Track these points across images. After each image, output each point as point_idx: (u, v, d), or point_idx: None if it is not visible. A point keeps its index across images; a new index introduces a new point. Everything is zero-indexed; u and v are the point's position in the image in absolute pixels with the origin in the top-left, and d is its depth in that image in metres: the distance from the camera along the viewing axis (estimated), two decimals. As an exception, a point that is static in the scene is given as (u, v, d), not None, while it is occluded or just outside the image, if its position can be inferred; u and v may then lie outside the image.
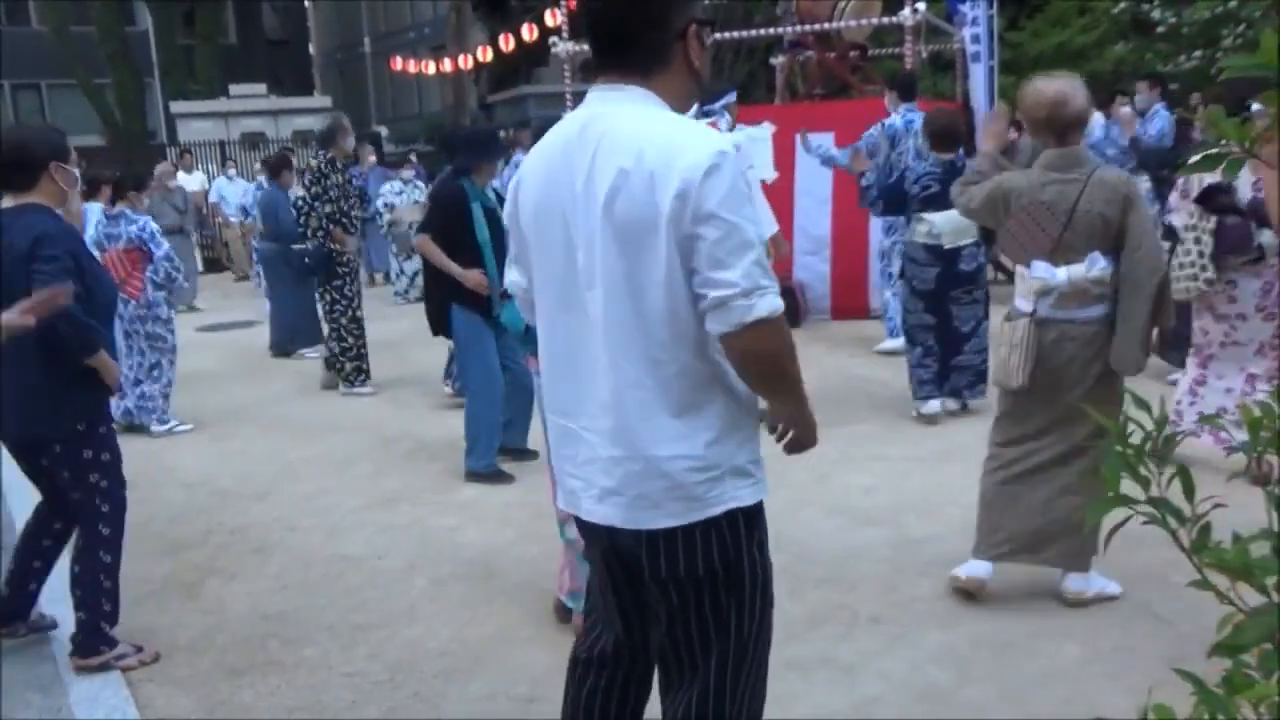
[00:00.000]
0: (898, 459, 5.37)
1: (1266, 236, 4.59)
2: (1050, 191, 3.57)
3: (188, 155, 17.16)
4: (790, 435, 2.10)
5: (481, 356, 5.46)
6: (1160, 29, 15.46)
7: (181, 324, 7.89)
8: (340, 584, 4.29)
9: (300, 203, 7.63)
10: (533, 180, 2.08)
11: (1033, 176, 3.64)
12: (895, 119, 7.73)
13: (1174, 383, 5.64)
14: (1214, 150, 1.25)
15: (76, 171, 3.55)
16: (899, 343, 7.10)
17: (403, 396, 7.55)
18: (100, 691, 3.47)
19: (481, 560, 4.45)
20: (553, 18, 12.76)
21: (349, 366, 7.68)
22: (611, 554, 2.15)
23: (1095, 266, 3.54)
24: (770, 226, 5.94)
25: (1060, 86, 3.56)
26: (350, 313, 7.60)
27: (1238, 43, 13.44)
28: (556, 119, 2.29)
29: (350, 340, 7.64)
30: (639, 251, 1.89)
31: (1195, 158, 1.29)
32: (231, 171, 16.12)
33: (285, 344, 9.27)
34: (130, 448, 6.80)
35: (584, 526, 2.15)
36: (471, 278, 5.36)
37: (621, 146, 1.90)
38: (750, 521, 2.04)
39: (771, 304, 1.86)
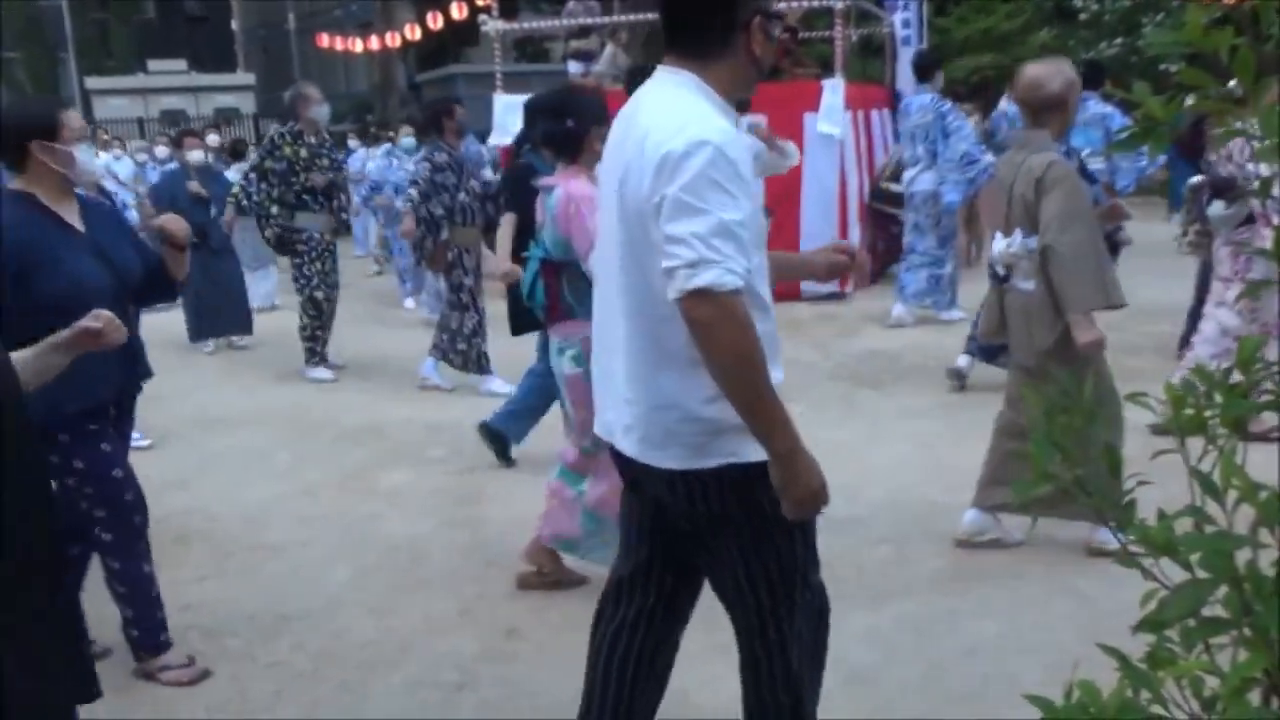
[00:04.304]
0: (824, 441, 5.35)
1: (1214, 208, 4.89)
2: (1004, 169, 3.85)
3: (102, 133, 16.56)
4: (783, 491, 2.01)
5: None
6: (1083, 16, 15.79)
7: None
8: (262, 574, 4.19)
9: (244, 179, 7.33)
10: (606, 146, 2.26)
11: (1007, 153, 3.96)
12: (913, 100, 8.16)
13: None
14: (1138, 128, 1.25)
15: (73, 149, 3.10)
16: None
17: (328, 383, 7.40)
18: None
19: (406, 549, 4.38)
20: (482, -4, 12.58)
21: (303, 347, 7.45)
22: (637, 484, 2.29)
23: (1014, 244, 3.77)
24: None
25: (1039, 70, 3.77)
26: (307, 293, 7.26)
27: (1158, 29, 13.75)
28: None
29: (306, 320, 7.38)
30: (640, 228, 2.03)
31: (1122, 135, 1.28)
32: (118, 152, 14.86)
33: (201, 330, 8.54)
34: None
35: (616, 455, 2.28)
36: (504, 268, 5.05)
37: (638, 131, 2.04)
38: (752, 474, 2.07)
39: (715, 276, 1.89)
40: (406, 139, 11.06)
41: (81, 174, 3.17)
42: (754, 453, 2.04)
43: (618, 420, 2.21)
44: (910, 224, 8.09)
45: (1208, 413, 1.18)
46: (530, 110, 5.14)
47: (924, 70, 8.00)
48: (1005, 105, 10.22)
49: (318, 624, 3.71)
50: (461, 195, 6.67)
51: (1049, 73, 3.72)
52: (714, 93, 2.08)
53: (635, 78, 8.67)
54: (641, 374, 2.11)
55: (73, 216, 3.14)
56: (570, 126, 3.69)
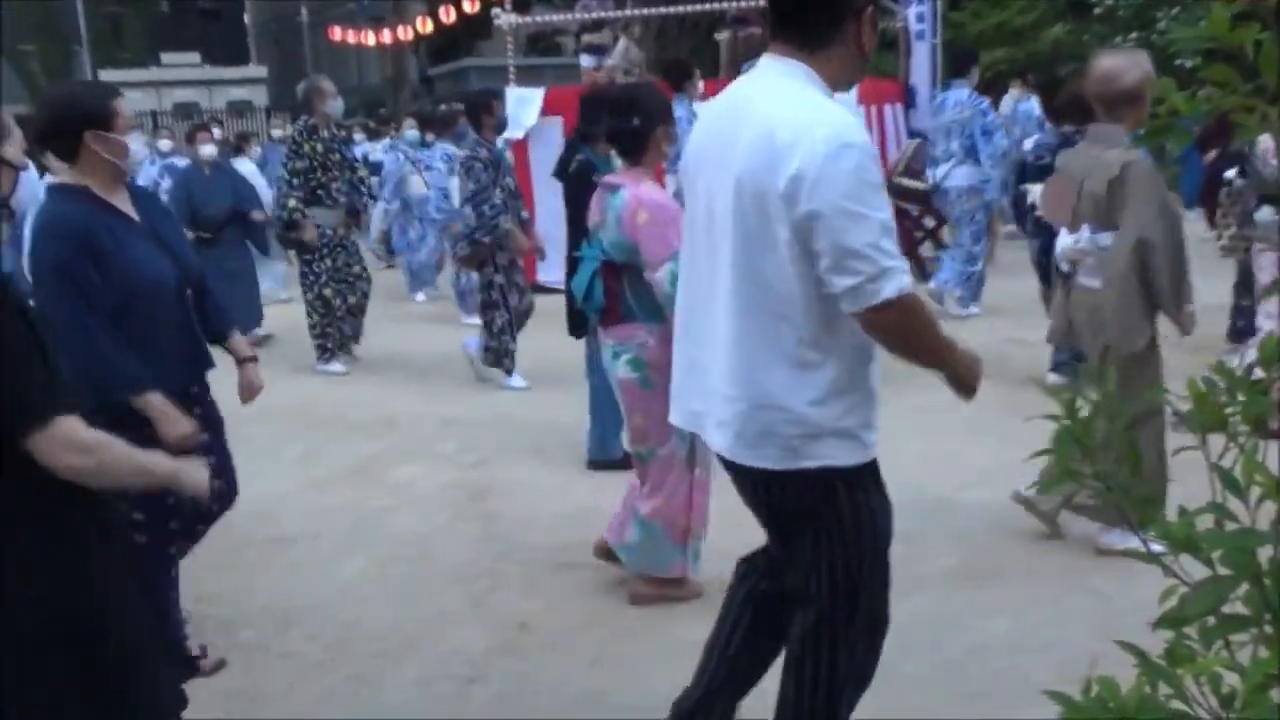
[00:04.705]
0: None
1: (1262, 213, 4.85)
2: (1073, 163, 3.79)
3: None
4: (957, 390, 2.24)
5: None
6: (1097, 10, 15.71)
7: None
8: (276, 566, 4.21)
9: (279, 188, 7.18)
10: (697, 135, 2.27)
11: (1077, 147, 3.93)
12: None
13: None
14: (1160, 123, 1.24)
15: (127, 139, 2.99)
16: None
17: (338, 376, 7.41)
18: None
19: (417, 542, 4.39)
20: (495, -11, 12.57)
21: (313, 344, 7.41)
22: (734, 476, 2.32)
23: (1082, 239, 3.70)
24: None
25: (1114, 63, 3.69)
26: (316, 290, 7.18)
27: (1172, 24, 13.67)
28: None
29: (315, 318, 7.32)
30: (759, 222, 2.01)
31: (1143, 130, 1.28)
32: None
33: None
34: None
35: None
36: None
37: (757, 121, 2.02)
38: (849, 477, 2.16)
39: (898, 284, 1.95)
40: (411, 132, 11.12)
41: (132, 163, 3.12)
42: (846, 458, 2.12)
43: (708, 414, 2.22)
44: (954, 218, 8.16)
45: (1229, 410, 1.18)
46: (592, 105, 5.00)
47: (960, 65, 8.01)
48: (1015, 101, 10.18)
49: (330, 616, 3.73)
50: (497, 192, 6.54)
51: (1125, 65, 3.61)
52: (822, 83, 2.08)
53: (674, 70, 8.46)
54: (746, 371, 2.10)
55: (126, 206, 3.05)
56: (636, 125, 3.53)
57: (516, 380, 6.72)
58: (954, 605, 3.58)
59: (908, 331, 2.05)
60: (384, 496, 4.94)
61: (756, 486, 2.24)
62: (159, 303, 3.00)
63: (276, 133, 14.96)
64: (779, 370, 2.06)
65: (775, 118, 2.00)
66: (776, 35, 2.11)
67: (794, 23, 2.08)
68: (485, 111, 6.69)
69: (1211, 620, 1.09)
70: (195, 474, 2.17)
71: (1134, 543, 3.75)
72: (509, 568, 4.06)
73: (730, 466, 2.26)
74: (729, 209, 2.06)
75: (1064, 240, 3.81)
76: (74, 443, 1.83)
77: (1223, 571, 1.08)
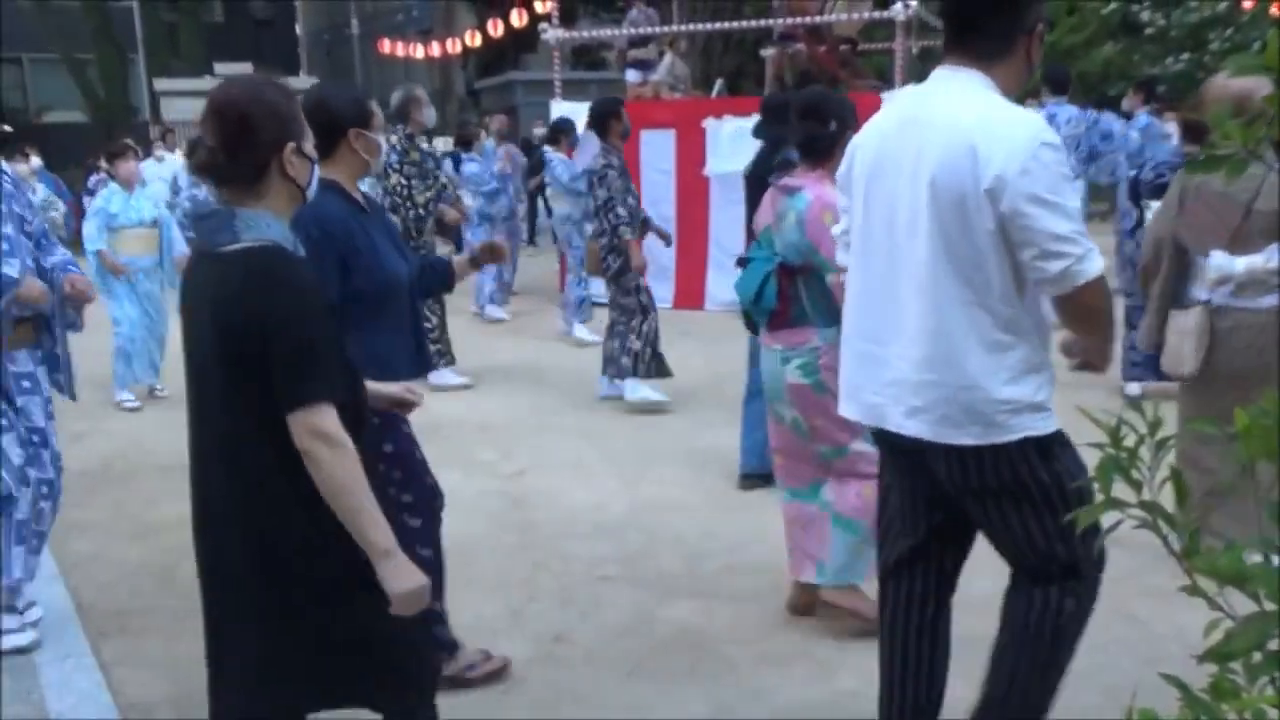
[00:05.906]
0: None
1: None
2: (1223, 181, 3.63)
3: (170, 134, 16.74)
4: (1084, 360, 2.41)
5: None
6: (1149, 31, 15.54)
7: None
8: (317, 569, 4.25)
9: (398, 185, 6.93)
10: (872, 141, 2.38)
11: None
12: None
13: None
14: (1220, 152, 1.24)
15: (381, 139, 3.06)
16: None
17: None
18: (72, 676, 3.43)
19: (456, 549, 4.38)
20: (542, 4, 12.68)
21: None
22: (914, 466, 2.43)
23: (1273, 259, 3.56)
24: None
25: (1245, 83, 3.62)
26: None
27: (1225, 46, 13.50)
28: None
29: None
30: (957, 217, 2.16)
31: (1199, 159, 1.27)
32: (161, 151, 14.24)
33: None
34: (108, 428, 6.76)
35: (888, 438, 2.43)
36: None
37: (949, 127, 2.18)
38: (1042, 446, 2.28)
39: (1096, 264, 2.15)
40: (487, 142, 11.63)
41: (380, 162, 3.20)
42: (1042, 426, 2.26)
43: (893, 404, 2.33)
44: None
45: (1277, 440, 1.16)
46: (783, 109, 4.90)
47: (1060, 84, 8.08)
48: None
49: (370, 622, 3.76)
50: (630, 199, 6.39)
51: (1257, 84, 3.59)
52: (999, 90, 2.25)
53: (807, 81, 8.20)
54: (943, 357, 2.23)
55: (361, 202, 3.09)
56: (834, 129, 3.57)
57: (629, 389, 6.39)
58: (993, 628, 3.54)
59: (1098, 308, 2.23)
60: (424, 505, 4.97)
61: (951, 466, 2.31)
62: (394, 300, 3.01)
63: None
64: (976, 355, 2.20)
65: (970, 122, 2.15)
66: (954, 48, 2.28)
67: (973, 37, 2.25)
68: (613, 117, 6.47)
69: (1257, 656, 1.07)
70: (404, 572, 2.03)
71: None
72: (546, 578, 4.07)
73: (931, 450, 2.32)
74: (923, 212, 2.20)
75: (1236, 262, 3.59)
76: (323, 431, 1.92)
77: (1269, 607, 1.06)
